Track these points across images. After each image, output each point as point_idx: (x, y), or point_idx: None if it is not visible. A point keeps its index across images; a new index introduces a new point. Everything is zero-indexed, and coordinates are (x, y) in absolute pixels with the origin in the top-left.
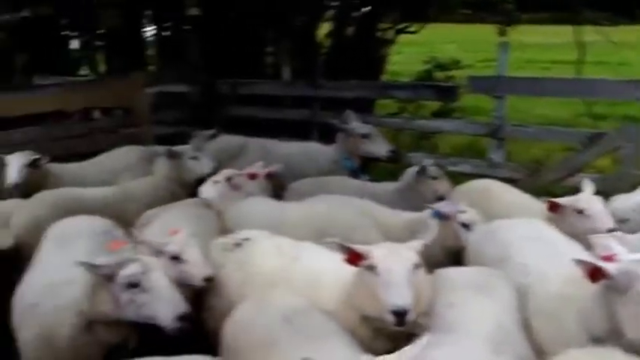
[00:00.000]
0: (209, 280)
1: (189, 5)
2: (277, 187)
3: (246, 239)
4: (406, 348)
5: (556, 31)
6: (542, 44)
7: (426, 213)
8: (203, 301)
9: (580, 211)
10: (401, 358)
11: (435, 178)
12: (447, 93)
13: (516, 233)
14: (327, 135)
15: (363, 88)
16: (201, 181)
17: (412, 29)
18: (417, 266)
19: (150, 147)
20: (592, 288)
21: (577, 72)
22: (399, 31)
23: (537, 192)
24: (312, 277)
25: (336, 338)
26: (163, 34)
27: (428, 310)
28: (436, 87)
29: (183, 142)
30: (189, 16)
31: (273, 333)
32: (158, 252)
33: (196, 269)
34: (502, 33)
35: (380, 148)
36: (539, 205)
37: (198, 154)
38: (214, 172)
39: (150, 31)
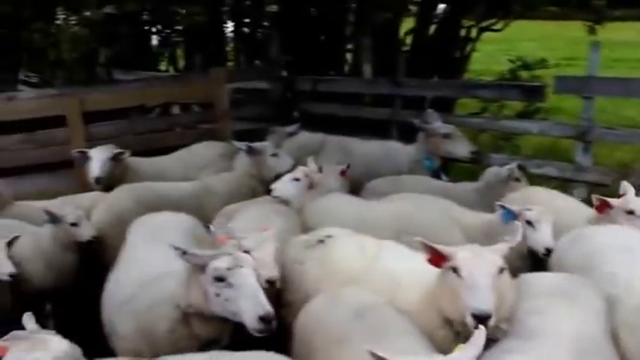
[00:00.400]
0: (271, 282)
1: (268, 1)
2: (354, 186)
3: (329, 236)
4: (465, 345)
5: None
6: (630, 42)
7: (498, 213)
8: (281, 298)
9: (630, 212)
10: (462, 357)
11: (517, 180)
12: (534, 93)
13: (603, 241)
14: (406, 134)
15: (446, 87)
16: (277, 177)
17: (496, 27)
18: (501, 270)
19: (229, 143)
20: None
21: None
22: (483, 29)
23: None
24: (392, 277)
25: (410, 336)
26: (243, 30)
27: (511, 315)
28: (522, 87)
29: (262, 139)
30: (269, 13)
31: (345, 328)
32: (234, 246)
33: (262, 269)
34: (592, 31)
35: (461, 148)
36: (587, 210)
37: (278, 151)
38: (291, 170)
39: (229, 27)
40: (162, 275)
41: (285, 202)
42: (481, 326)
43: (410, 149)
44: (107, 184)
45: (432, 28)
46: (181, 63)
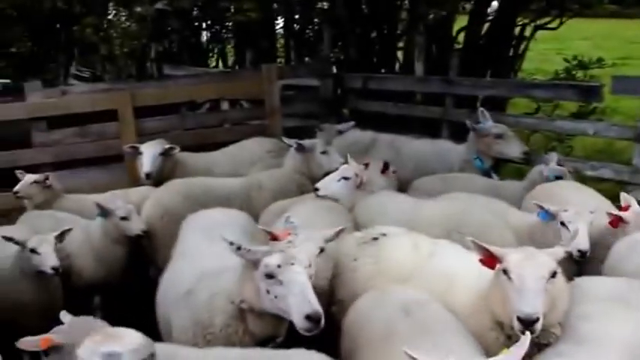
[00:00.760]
0: None
1: None
2: (404, 184)
3: (383, 234)
4: (510, 349)
5: None
6: None
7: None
8: (333, 295)
9: None
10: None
11: (560, 178)
12: (590, 93)
13: None
14: (458, 133)
15: (499, 86)
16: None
17: (550, 25)
18: (553, 274)
19: (278, 139)
20: None
21: None
22: (539, 28)
23: None
24: (446, 276)
25: (457, 334)
26: (293, 26)
27: (564, 320)
28: (578, 87)
29: (311, 136)
30: (320, 9)
31: (392, 325)
32: (289, 242)
33: None
34: None
35: (513, 148)
36: (608, 206)
37: (328, 149)
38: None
39: (280, 23)
40: (220, 270)
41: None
42: (527, 331)
43: (461, 149)
44: (157, 178)
45: (486, 26)
46: (231, 59)
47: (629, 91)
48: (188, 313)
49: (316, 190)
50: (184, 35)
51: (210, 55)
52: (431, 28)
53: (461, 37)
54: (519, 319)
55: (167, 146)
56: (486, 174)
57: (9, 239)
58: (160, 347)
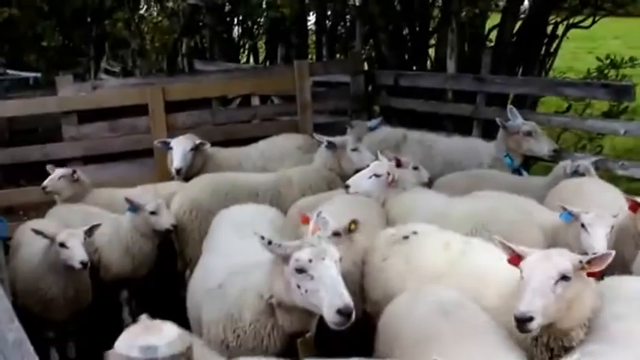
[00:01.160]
0: None
1: None
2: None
3: (414, 232)
4: None
5: None
6: None
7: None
8: (365, 293)
9: None
10: None
11: (583, 175)
12: (623, 93)
13: None
14: (489, 131)
15: (531, 84)
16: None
17: (583, 24)
18: (564, 277)
19: (309, 135)
20: None
21: None
22: (571, 26)
23: None
24: (477, 275)
25: (496, 334)
26: (325, 23)
27: (590, 322)
28: (611, 86)
29: (342, 132)
30: (352, 6)
31: (432, 326)
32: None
33: None
34: None
35: (543, 146)
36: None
37: (359, 146)
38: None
39: (311, 19)
40: (251, 265)
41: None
42: (521, 330)
43: (491, 146)
44: (187, 174)
45: (518, 24)
46: (262, 55)
47: None
48: (218, 308)
49: (347, 187)
50: (216, 30)
51: (242, 50)
52: (463, 25)
53: (493, 34)
54: (514, 316)
55: (198, 142)
56: (516, 172)
57: (39, 232)
58: None
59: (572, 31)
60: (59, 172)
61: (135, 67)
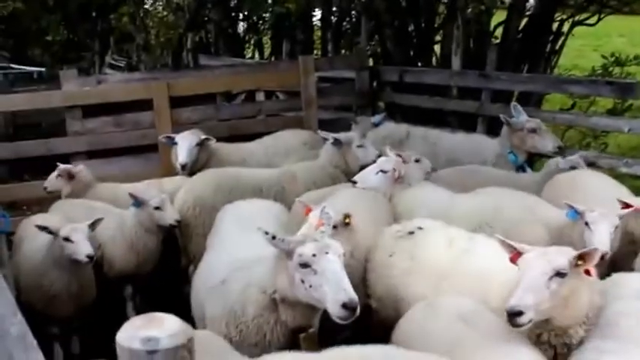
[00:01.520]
0: None
1: None
2: None
3: (420, 228)
4: None
5: None
6: None
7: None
8: (369, 288)
9: None
10: None
11: (575, 169)
12: (628, 90)
13: None
14: (494, 127)
15: (536, 81)
16: (362, 168)
17: (589, 22)
18: (559, 273)
19: (314, 131)
20: None
21: None
22: (577, 23)
23: None
24: (481, 273)
25: (517, 339)
26: (331, 18)
27: (588, 319)
28: (616, 84)
29: (346, 128)
30: (358, 2)
31: (452, 334)
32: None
33: None
34: None
35: (547, 143)
36: (625, 194)
37: (364, 142)
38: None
39: (317, 15)
40: (254, 260)
41: None
42: (511, 324)
43: (495, 143)
44: (192, 169)
45: (524, 21)
46: (267, 51)
47: None
48: (221, 303)
49: (354, 182)
50: (221, 26)
51: (247, 46)
52: (469, 21)
53: (498, 31)
54: (506, 310)
55: (203, 137)
56: (520, 168)
57: (43, 228)
58: None
59: (578, 29)
60: (57, 170)
61: (140, 61)
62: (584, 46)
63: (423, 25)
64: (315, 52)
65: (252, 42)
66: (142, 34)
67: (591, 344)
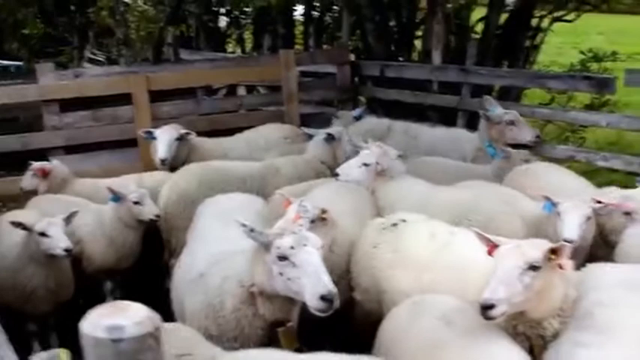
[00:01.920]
0: None
1: None
2: None
3: (403, 220)
4: None
5: None
6: None
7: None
8: (353, 281)
9: (628, 214)
10: None
11: (527, 161)
12: (605, 85)
13: None
14: (474, 122)
15: (515, 76)
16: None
17: (567, 18)
18: (533, 266)
19: (295, 126)
20: None
21: None
22: (556, 20)
23: None
24: (461, 266)
25: (501, 338)
26: (312, 13)
27: (562, 311)
28: (593, 79)
29: (327, 123)
30: None
31: (436, 336)
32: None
33: None
34: None
35: (526, 134)
36: (584, 185)
37: (354, 138)
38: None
39: (298, 10)
40: (233, 254)
41: None
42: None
43: (474, 137)
44: (172, 164)
45: (504, 17)
46: (249, 45)
47: None
48: (200, 297)
49: (336, 175)
50: (202, 20)
51: (228, 40)
52: (449, 17)
53: (479, 27)
54: (480, 304)
55: (183, 131)
56: None
57: (17, 224)
58: None
59: (558, 27)
60: (30, 169)
61: (120, 56)
62: (563, 44)
63: (404, 20)
64: (296, 46)
65: (233, 36)
66: (121, 28)
67: (566, 336)
